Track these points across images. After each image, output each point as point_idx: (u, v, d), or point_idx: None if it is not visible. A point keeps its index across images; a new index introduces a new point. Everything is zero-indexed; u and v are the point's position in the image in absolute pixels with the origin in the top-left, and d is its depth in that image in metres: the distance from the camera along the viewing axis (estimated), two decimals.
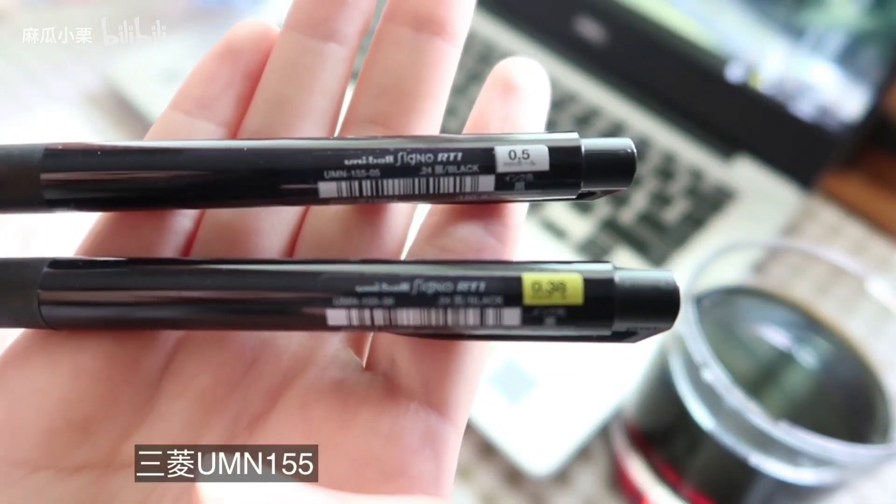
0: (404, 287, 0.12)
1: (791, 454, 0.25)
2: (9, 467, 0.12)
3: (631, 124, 0.51)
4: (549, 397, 0.35)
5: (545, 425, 0.34)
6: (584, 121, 0.51)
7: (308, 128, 0.15)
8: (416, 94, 0.15)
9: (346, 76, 0.16)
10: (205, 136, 0.15)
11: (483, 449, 0.35)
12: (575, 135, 0.13)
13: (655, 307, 0.12)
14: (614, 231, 0.43)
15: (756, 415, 0.24)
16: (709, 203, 0.46)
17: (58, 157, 0.13)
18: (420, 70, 0.15)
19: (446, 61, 0.15)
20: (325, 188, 0.13)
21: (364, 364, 0.14)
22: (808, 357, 0.30)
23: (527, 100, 0.15)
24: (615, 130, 0.51)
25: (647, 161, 0.49)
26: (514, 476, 0.34)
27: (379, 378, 0.13)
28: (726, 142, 0.50)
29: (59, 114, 0.49)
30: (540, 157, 0.13)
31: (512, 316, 0.12)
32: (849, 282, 0.30)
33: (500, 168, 0.13)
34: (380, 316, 0.12)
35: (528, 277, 0.12)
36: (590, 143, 0.13)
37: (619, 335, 0.12)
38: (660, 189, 0.47)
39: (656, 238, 0.43)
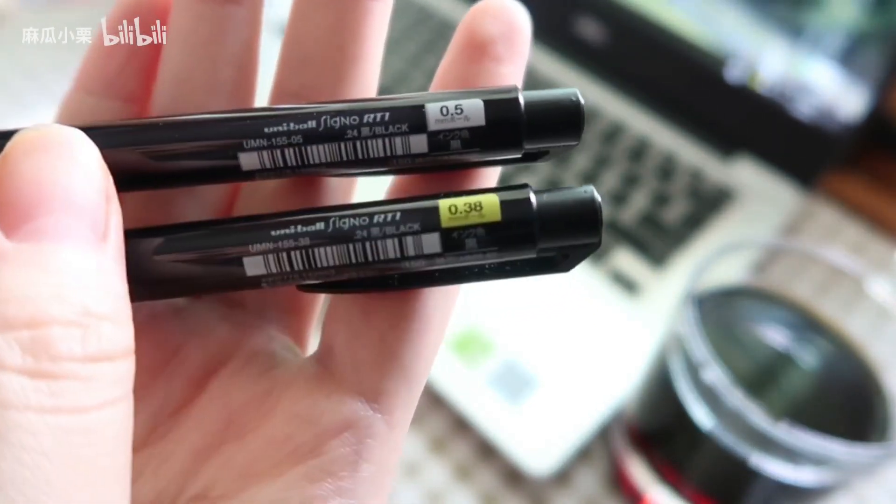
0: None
1: (791, 454, 0.25)
2: None
3: (631, 124, 0.51)
4: (549, 397, 0.35)
5: (545, 425, 0.34)
6: (584, 122, 0.51)
7: (219, 102, 0.14)
8: (343, 60, 0.13)
9: (254, 41, 0.14)
10: (113, 115, 0.14)
11: (483, 449, 0.35)
12: (514, 86, 0.12)
13: (576, 219, 0.12)
14: (614, 231, 0.43)
15: (756, 415, 0.24)
16: (709, 203, 0.46)
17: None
18: (344, 33, 0.13)
19: (373, 20, 0.14)
20: (247, 159, 0.12)
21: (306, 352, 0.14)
22: (808, 357, 0.30)
23: (498, 59, 0.13)
24: (615, 130, 0.51)
25: (647, 161, 0.49)
26: (514, 476, 0.34)
27: (311, 365, 0.13)
28: (726, 142, 0.50)
29: None
30: (475, 113, 0.12)
31: (432, 242, 0.11)
32: (848, 282, 0.30)
33: (432, 126, 0.12)
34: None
35: (445, 202, 0.11)
36: (531, 95, 0.12)
37: (549, 262, 0.12)
38: (660, 189, 0.47)
39: (656, 238, 0.43)
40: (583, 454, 0.35)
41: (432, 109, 0.12)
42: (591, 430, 0.34)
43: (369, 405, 0.12)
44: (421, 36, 0.57)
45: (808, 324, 0.31)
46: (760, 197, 0.47)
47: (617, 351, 0.38)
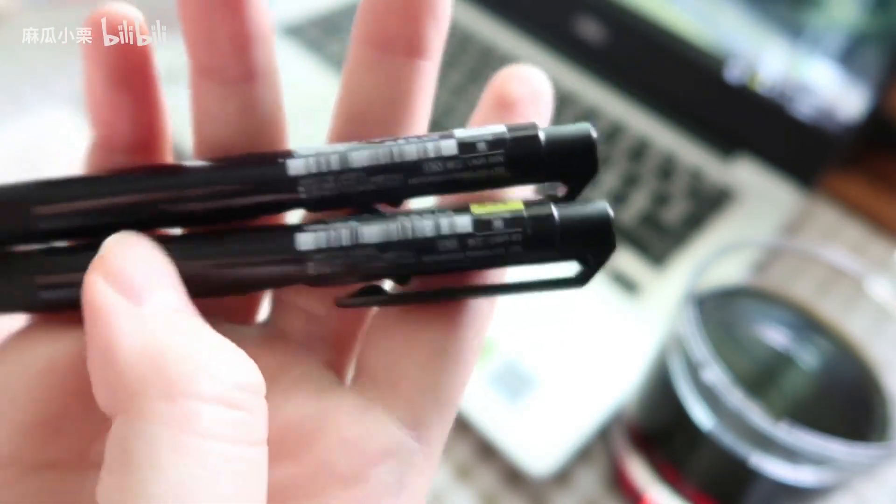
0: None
1: (791, 454, 0.25)
2: None
3: (631, 124, 0.51)
4: (549, 397, 0.35)
5: (545, 425, 0.34)
6: (584, 121, 0.51)
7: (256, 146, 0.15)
8: (394, 116, 0.14)
9: (280, 102, 0.15)
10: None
11: (483, 449, 0.35)
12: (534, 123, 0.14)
13: (591, 222, 0.13)
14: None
15: (756, 415, 0.24)
16: (709, 203, 0.46)
17: (49, 188, 0.13)
18: (395, 92, 0.14)
19: (423, 78, 0.14)
20: (294, 164, 0.13)
21: (344, 381, 0.15)
22: (808, 357, 0.30)
23: (525, 117, 0.15)
24: (615, 130, 0.51)
25: (647, 161, 0.49)
26: (514, 476, 0.34)
27: (354, 393, 0.13)
28: (726, 142, 0.50)
29: (59, 114, 0.49)
30: (498, 132, 0.13)
31: (463, 222, 0.13)
32: (849, 282, 0.30)
33: (459, 136, 0.13)
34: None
35: (475, 205, 0.13)
36: (549, 129, 0.14)
37: (567, 279, 0.13)
38: (660, 189, 0.47)
39: (656, 238, 0.43)
40: (583, 454, 0.35)
41: (459, 132, 0.13)
42: (591, 430, 0.34)
43: (409, 434, 0.13)
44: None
45: (808, 324, 0.31)
46: (760, 197, 0.47)
47: (617, 351, 0.38)
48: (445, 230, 0.13)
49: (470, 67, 0.54)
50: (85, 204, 0.13)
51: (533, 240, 0.13)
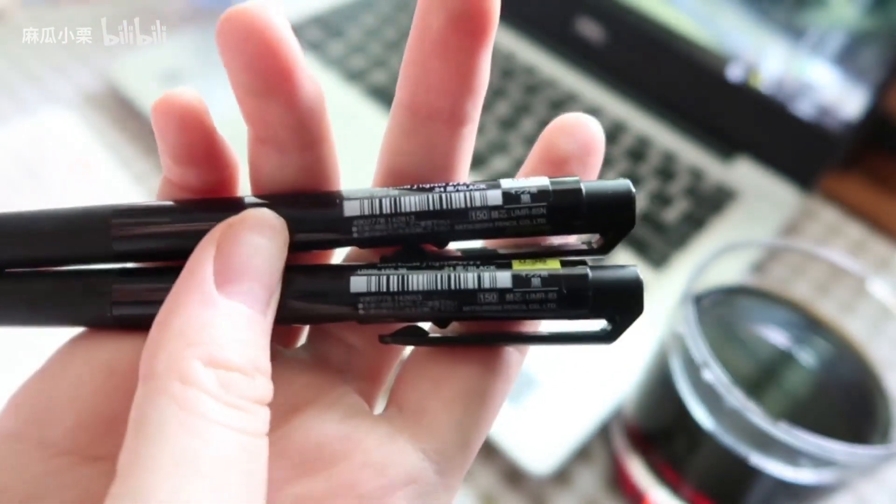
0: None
1: (791, 454, 0.25)
2: (39, 447, 0.13)
3: (631, 124, 0.51)
4: (549, 397, 0.35)
5: (545, 425, 0.34)
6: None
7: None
8: (434, 175, 0.15)
9: (333, 154, 0.16)
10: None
11: (483, 449, 0.35)
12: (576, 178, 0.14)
13: (622, 286, 0.14)
14: None
15: (756, 415, 0.24)
16: (709, 203, 0.46)
17: (127, 213, 0.14)
18: (434, 155, 0.15)
19: (461, 141, 0.15)
20: (349, 206, 0.14)
21: (374, 411, 0.15)
22: (808, 357, 0.30)
23: (573, 174, 0.15)
24: (615, 130, 0.51)
25: (647, 161, 0.49)
26: (514, 476, 0.34)
27: (384, 421, 0.14)
28: (726, 142, 0.50)
29: (60, 114, 0.49)
30: (541, 184, 0.14)
31: (504, 278, 0.14)
32: (849, 282, 0.30)
33: (505, 186, 0.14)
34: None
35: (516, 262, 0.14)
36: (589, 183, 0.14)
37: (596, 334, 0.14)
38: (660, 189, 0.47)
39: (656, 238, 0.43)
40: (583, 454, 0.35)
41: (505, 183, 0.14)
42: (591, 430, 0.34)
43: (431, 466, 0.14)
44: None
45: (808, 324, 0.31)
46: (760, 197, 0.47)
47: (616, 351, 0.38)
48: (487, 284, 0.14)
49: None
50: (158, 229, 0.14)
51: (567, 299, 0.14)
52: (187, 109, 0.14)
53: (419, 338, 0.15)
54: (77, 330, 0.15)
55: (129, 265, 0.15)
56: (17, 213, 0.15)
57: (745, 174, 0.49)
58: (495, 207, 0.14)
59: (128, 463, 0.11)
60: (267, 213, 0.13)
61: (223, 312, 0.12)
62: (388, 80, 0.52)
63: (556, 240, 0.15)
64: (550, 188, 0.14)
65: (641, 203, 0.45)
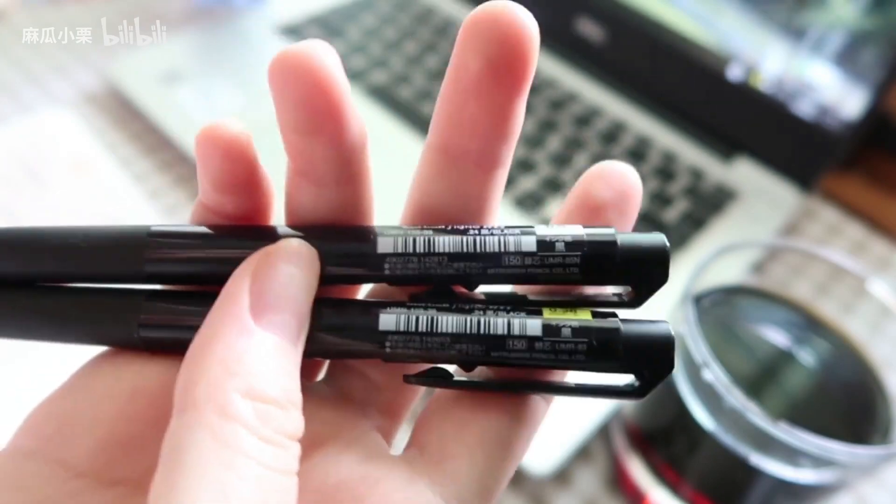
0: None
1: (791, 454, 0.25)
2: (57, 467, 0.13)
3: (631, 124, 0.51)
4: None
5: (545, 425, 0.34)
6: (585, 121, 0.51)
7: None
8: (465, 216, 0.15)
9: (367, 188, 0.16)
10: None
11: None
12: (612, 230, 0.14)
13: (653, 342, 0.14)
14: None
15: (756, 415, 0.24)
16: (709, 203, 0.46)
17: (160, 236, 0.15)
18: (466, 200, 0.15)
19: (492, 183, 0.15)
20: (383, 242, 0.14)
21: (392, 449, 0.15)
22: (808, 357, 0.30)
23: (609, 222, 0.15)
24: (615, 130, 0.51)
25: (647, 161, 0.49)
26: (514, 476, 0.34)
27: (404, 462, 0.14)
28: (726, 142, 0.50)
29: (60, 114, 0.49)
30: (576, 233, 0.14)
31: (534, 326, 0.13)
32: (849, 282, 0.30)
33: (539, 233, 0.14)
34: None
35: (547, 310, 0.14)
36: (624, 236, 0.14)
37: (625, 390, 0.14)
38: (660, 189, 0.47)
39: None
40: (583, 454, 0.35)
41: (540, 230, 0.14)
42: (591, 430, 0.34)
43: None
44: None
45: (808, 324, 0.31)
46: (760, 197, 0.47)
47: None
48: (516, 331, 0.13)
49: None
50: (190, 254, 0.14)
51: (597, 351, 0.13)
52: (233, 142, 0.14)
53: (444, 380, 0.14)
54: (101, 348, 0.15)
55: (158, 287, 0.15)
56: (51, 228, 0.15)
57: (745, 174, 0.49)
58: (529, 254, 0.14)
59: (163, 493, 0.10)
60: (302, 245, 0.13)
61: (258, 342, 0.12)
62: (387, 80, 0.52)
63: (588, 290, 0.15)
64: (585, 238, 0.14)
65: (641, 203, 0.45)
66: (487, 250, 0.14)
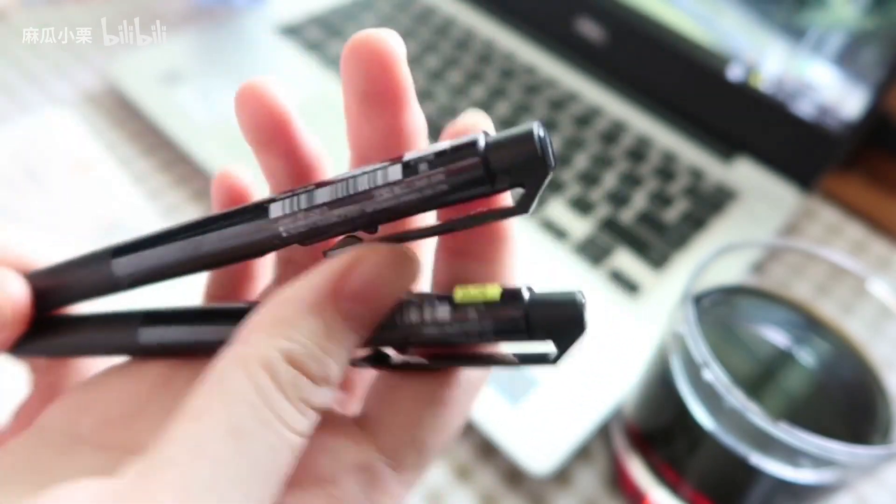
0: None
1: (791, 454, 0.25)
2: (66, 437, 0.15)
3: (631, 124, 0.51)
4: (549, 397, 0.35)
5: (545, 425, 0.34)
6: (585, 121, 0.51)
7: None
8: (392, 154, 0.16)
9: None
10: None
11: (483, 449, 0.35)
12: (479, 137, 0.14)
13: (561, 304, 0.14)
14: (614, 231, 0.43)
15: (756, 415, 0.24)
16: (709, 203, 0.46)
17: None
18: (389, 140, 0.16)
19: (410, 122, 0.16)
20: (274, 208, 0.15)
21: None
22: (808, 357, 0.30)
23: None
24: (615, 130, 0.51)
25: (648, 161, 0.49)
26: (514, 476, 0.34)
27: (352, 423, 0.16)
28: (726, 142, 0.50)
29: (59, 114, 0.49)
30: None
31: (443, 311, 0.14)
32: (849, 282, 0.30)
33: (405, 159, 0.14)
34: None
35: (458, 287, 0.14)
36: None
37: (543, 356, 0.14)
38: (660, 189, 0.47)
39: (656, 238, 0.43)
40: (583, 454, 0.35)
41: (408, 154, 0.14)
42: (591, 429, 0.34)
43: (385, 461, 0.15)
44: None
45: (808, 324, 0.31)
46: (760, 197, 0.47)
47: (616, 351, 0.38)
48: (427, 316, 0.14)
49: (470, 67, 0.54)
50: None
51: (504, 328, 0.14)
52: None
53: (382, 362, 0.16)
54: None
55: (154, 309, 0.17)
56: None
57: (745, 174, 0.49)
58: (396, 182, 0.14)
59: (190, 393, 0.13)
60: (406, 253, 0.14)
61: (325, 323, 0.14)
62: None
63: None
64: (448, 149, 0.13)
65: (641, 203, 0.46)
66: (359, 189, 0.14)
